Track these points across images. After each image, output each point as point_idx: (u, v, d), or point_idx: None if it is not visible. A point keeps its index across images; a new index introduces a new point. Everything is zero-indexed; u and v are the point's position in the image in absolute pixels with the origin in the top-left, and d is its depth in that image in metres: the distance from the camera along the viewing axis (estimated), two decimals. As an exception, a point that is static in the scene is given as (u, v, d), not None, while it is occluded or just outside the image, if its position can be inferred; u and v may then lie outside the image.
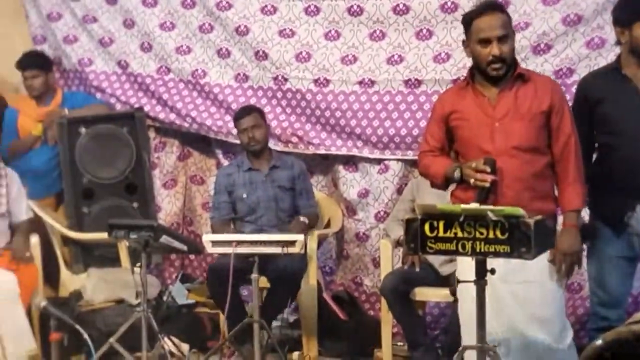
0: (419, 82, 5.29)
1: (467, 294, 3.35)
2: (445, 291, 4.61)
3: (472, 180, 3.56)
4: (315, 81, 5.50)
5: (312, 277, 5.02)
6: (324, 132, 5.54)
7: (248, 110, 5.24)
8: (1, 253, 4.94)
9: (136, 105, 5.81)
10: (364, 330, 5.13)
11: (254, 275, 4.42)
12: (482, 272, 3.16)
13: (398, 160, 5.38)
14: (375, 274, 5.38)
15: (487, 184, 3.53)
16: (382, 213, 5.41)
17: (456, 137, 3.81)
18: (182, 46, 5.77)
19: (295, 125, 5.59)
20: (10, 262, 4.90)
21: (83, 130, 5.64)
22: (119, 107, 5.88)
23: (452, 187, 3.84)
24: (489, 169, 3.54)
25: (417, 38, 5.31)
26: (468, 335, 3.52)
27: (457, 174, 3.64)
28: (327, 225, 5.49)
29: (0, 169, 5.20)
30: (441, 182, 3.79)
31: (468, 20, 3.73)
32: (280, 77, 5.56)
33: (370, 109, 5.40)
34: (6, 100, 5.83)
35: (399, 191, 5.34)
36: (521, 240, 2.95)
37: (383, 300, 4.79)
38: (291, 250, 4.40)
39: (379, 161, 5.43)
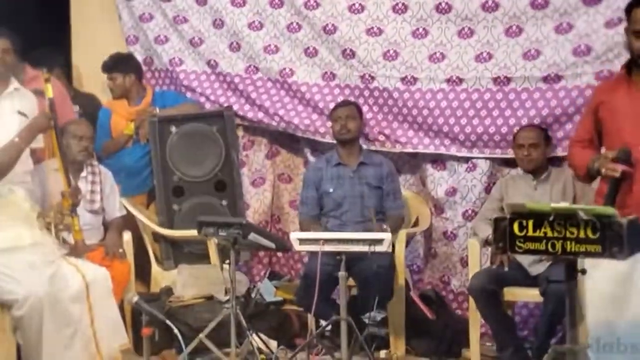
0: (508, 80, 5.24)
1: (603, 271, 3.26)
2: (535, 291, 4.60)
3: (603, 171, 3.49)
4: (403, 79, 5.48)
5: (400, 276, 5.00)
6: (411, 131, 5.52)
7: (347, 102, 5.38)
8: (95, 249, 5.04)
9: (225, 104, 5.88)
10: (451, 329, 5.10)
11: (341, 273, 4.42)
12: (572, 273, 3.10)
13: (486, 158, 5.34)
14: (463, 273, 5.35)
15: (617, 174, 3.45)
16: (469, 212, 5.38)
17: (603, 128, 3.74)
18: (270, 45, 5.81)
19: (383, 123, 5.58)
20: (103, 258, 5.00)
21: (173, 129, 5.73)
22: (208, 106, 5.95)
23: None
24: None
25: (506, 35, 5.25)
26: (596, 311, 3.43)
27: (595, 165, 3.59)
28: (415, 224, 5.46)
29: (94, 167, 5.32)
30: (583, 174, 3.73)
31: (628, 9, 3.69)
32: (367, 76, 5.56)
33: (458, 106, 5.36)
34: (100, 101, 5.96)
35: (487, 190, 5.29)
36: (613, 239, 2.89)
37: (471, 300, 4.76)
38: (378, 248, 4.39)
39: (466, 159, 5.39)
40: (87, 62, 6.11)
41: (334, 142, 5.38)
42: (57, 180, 4.90)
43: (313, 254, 4.71)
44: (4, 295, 4.31)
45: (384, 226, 4.80)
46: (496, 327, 4.71)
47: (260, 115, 5.82)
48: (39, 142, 5.30)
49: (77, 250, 4.80)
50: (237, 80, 5.89)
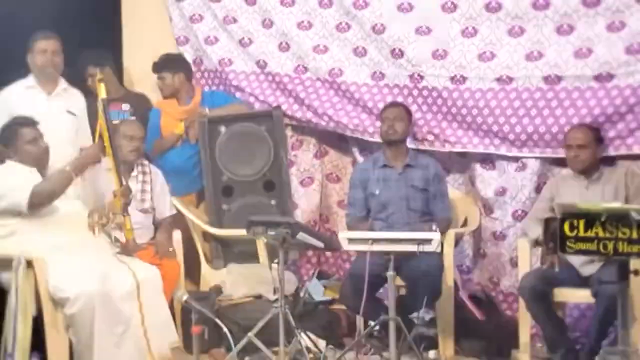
0: (558, 79, 5.19)
1: None
2: (586, 292, 4.56)
3: None
4: (452, 79, 5.45)
5: (449, 276, 4.97)
6: (460, 130, 5.49)
7: (397, 104, 5.38)
8: (145, 248, 5.08)
9: (274, 104, 5.89)
10: (501, 330, 5.06)
11: (389, 273, 4.42)
12: (624, 274, 3.07)
13: (536, 158, 5.29)
14: (513, 274, 5.30)
15: None
16: (519, 212, 5.33)
17: None
18: (319, 45, 5.81)
19: (431, 123, 5.56)
20: (154, 257, 5.04)
21: (223, 129, 5.76)
22: (257, 106, 5.97)
23: None
24: None
25: (557, 33, 5.20)
26: None
27: None
28: (464, 224, 5.43)
29: (144, 166, 5.36)
30: None
31: None
32: (416, 75, 5.53)
33: (508, 106, 5.33)
34: (150, 101, 6.01)
35: (537, 190, 5.24)
36: (666, 240, 2.85)
37: (521, 301, 4.72)
38: (427, 248, 4.37)
39: (516, 159, 5.35)
40: (138, 62, 6.16)
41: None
42: (108, 180, 4.96)
43: (360, 254, 4.71)
44: (57, 293, 4.38)
45: (433, 226, 4.78)
46: (547, 328, 4.67)
47: (309, 115, 5.83)
48: (89, 141, 5.39)
49: (128, 249, 4.85)
50: (286, 80, 5.90)
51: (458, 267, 5.47)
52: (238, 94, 6.01)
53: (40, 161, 4.70)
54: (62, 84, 5.26)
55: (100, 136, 4.83)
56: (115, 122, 5.24)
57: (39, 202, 4.55)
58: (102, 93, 4.85)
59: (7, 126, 4.77)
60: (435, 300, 4.89)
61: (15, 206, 4.53)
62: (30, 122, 4.74)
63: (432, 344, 5.00)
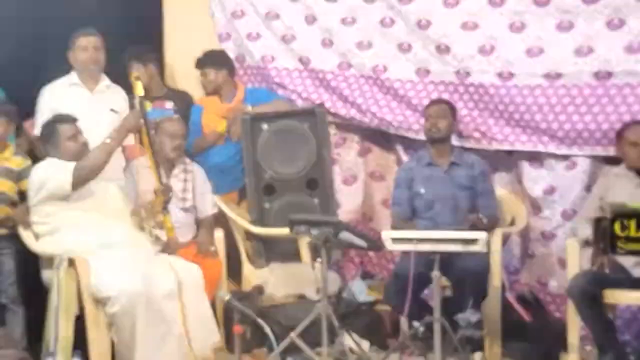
0: (609, 74, 5.09)
1: None
2: (638, 294, 4.45)
3: None
4: (499, 75, 5.37)
5: (495, 277, 4.90)
6: (507, 127, 5.42)
7: (440, 100, 5.32)
8: (187, 246, 5.07)
9: (317, 102, 5.85)
10: (549, 332, 4.99)
11: (435, 273, 4.36)
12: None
13: (586, 156, 5.21)
14: (562, 275, 5.21)
15: None
16: (569, 211, 5.25)
17: None
18: (363, 41, 5.75)
19: (478, 120, 5.49)
20: (195, 256, 5.03)
21: (265, 126, 5.73)
22: (300, 103, 5.94)
23: None
24: None
25: (607, 28, 5.11)
26: None
27: None
28: (511, 223, 5.35)
29: (186, 164, 5.35)
30: None
31: None
32: (462, 71, 5.46)
33: (556, 102, 5.24)
34: (193, 98, 6.00)
35: (587, 189, 5.16)
36: None
37: (570, 302, 4.63)
38: (473, 248, 4.32)
39: (565, 157, 5.27)
40: (180, 59, 6.16)
41: (427, 139, 5.31)
42: (148, 178, 4.95)
43: (404, 254, 4.65)
44: (99, 292, 4.39)
45: (481, 216, 4.70)
46: (596, 330, 4.57)
47: (353, 112, 5.78)
48: (130, 139, 5.39)
49: (169, 248, 4.86)
50: (329, 76, 5.85)
51: (505, 268, 5.39)
52: (280, 91, 5.98)
53: (79, 157, 4.73)
54: (105, 80, 5.27)
55: (141, 104, 4.84)
56: (157, 120, 5.23)
57: (83, 177, 4.61)
58: (139, 91, 4.86)
59: (48, 124, 4.84)
60: (481, 301, 4.82)
61: (59, 189, 4.60)
62: (69, 119, 4.80)
63: (478, 346, 4.92)
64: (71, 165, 4.59)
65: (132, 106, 4.95)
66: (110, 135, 4.73)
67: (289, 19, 5.94)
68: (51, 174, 4.61)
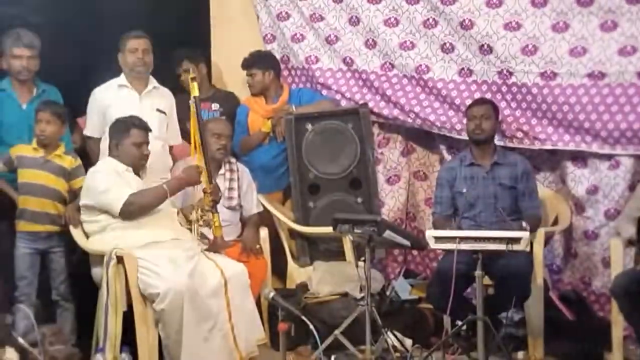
0: (653, 74, 5.08)
1: None
2: (682, 293, 4.42)
3: None
4: (542, 74, 5.36)
5: (538, 276, 4.89)
6: (550, 127, 5.40)
7: (483, 100, 5.30)
8: (233, 245, 5.13)
9: (361, 102, 5.87)
10: (592, 332, 4.96)
11: (477, 272, 4.38)
12: None
13: (630, 155, 5.19)
14: (605, 274, 5.19)
15: None
16: (612, 211, 5.23)
17: None
18: (406, 42, 5.77)
19: (521, 120, 5.48)
20: (241, 254, 5.09)
21: (309, 126, 5.77)
22: (344, 103, 5.96)
23: None
24: None
25: (651, 27, 5.10)
26: None
27: None
28: (555, 223, 5.33)
29: (232, 164, 5.42)
30: None
31: None
32: (505, 71, 5.46)
33: (600, 102, 5.23)
34: (239, 99, 6.06)
35: (631, 188, 5.14)
36: None
37: (613, 302, 4.62)
38: (516, 247, 4.32)
39: (609, 157, 5.26)
40: (225, 60, 6.22)
41: (470, 139, 5.32)
42: (196, 177, 5.00)
43: (447, 252, 4.66)
44: (147, 289, 4.45)
45: (524, 224, 4.70)
46: (640, 330, 4.55)
47: (396, 112, 5.80)
48: (178, 139, 5.47)
49: (216, 246, 4.90)
50: (372, 77, 5.88)
51: (548, 267, 5.39)
52: (324, 92, 6.01)
53: (138, 165, 4.80)
54: (152, 82, 5.35)
55: (196, 105, 4.89)
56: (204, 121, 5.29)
57: (131, 212, 4.65)
58: (194, 91, 4.92)
59: (122, 121, 4.86)
60: (524, 301, 4.82)
61: (109, 208, 4.64)
62: (144, 126, 4.84)
63: (521, 345, 4.93)
64: (126, 193, 4.63)
65: (188, 107, 5.01)
66: (168, 183, 4.79)
67: (332, 21, 5.97)
68: (106, 189, 4.65)
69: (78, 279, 4.98)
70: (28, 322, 4.41)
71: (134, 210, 4.63)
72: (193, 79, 4.97)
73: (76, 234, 4.83)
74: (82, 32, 5.58)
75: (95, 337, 4.59)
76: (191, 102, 4.92)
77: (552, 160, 5.52)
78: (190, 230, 4.86)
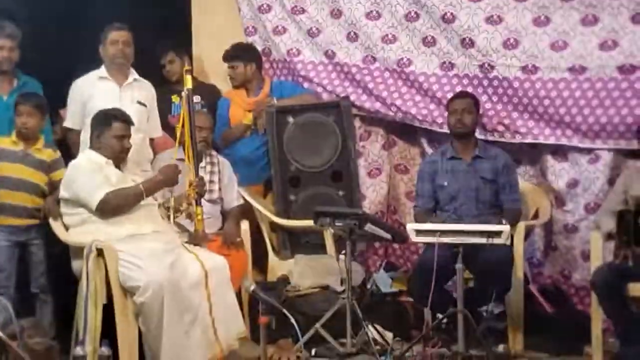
0: (634, 68, 5.10)
1: None
2: (661, 287, 4.44)
3: None
4: (523, 68, 5.38)
5: (519, 269, 4.90)
6: (531, 121, 5.43)
7: (464, 94, 5.30)
8: (213, 238, 5.11)
9: (342, 95, 5.87)
10: (572, 325, 4.98)
11: (458, 265, 4.38)
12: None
13: (610, 149, 5.21)
14: (585, 267, 5.22)
15: None
16: (592, 204, 5.26)
17: None
18: (387, 35, 5.78)
19: (502, 114, 5.50)
20: (221, 247, 5.07)
21: (291, 119, 5.77)
22: (325, 96, 5.96)
23: None
24: None
25: (632, 22, 5.13)
26: None
27: None
28: (535, 216, 5.35)
29: (213, 157, 5.40)
30: None
31: None
32: (486, 65, 5.47)
33: (580, 96, 5.26)
34: (220, 91, 6.04)
35: (611, 182, 5.16)
36: None
37: (593, 295, 4.63)
38: (496, 241, 4.33)
39: (589, 151, 5.28)
40: (206, 53, 6.20)
41: (452, 132, 5.33)
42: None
43: (428, 246, 4.67)
44: (127, 282, 4.43)
45: (503, 221, 4.72)
46: (619, 323, 4.57)
47: (377, 105, 5.80)
48: (158, 132, 5.45)
49: (197, 239, 4.88)
50: (354, 70, 5.88)
51: (528, 260, 5.40)
52: (306, 84, 6.01)
53: (119, 158, 4.76)
54: (133, 74, 5.32)
55: (188, 97, 4.87)
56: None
57: (106, 210, 4.61)
58: (188, 83, 4.91)
59: (104, 113, 4.81)
60: (504, 294, 4.84)
61: (84, 201, 4.62)
62: (125, 119, 4.79)
63: (502, 337, 4.94)
64: (103, 190, 4.59)
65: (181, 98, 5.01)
66: (144, 184, 4.72)
67: (314, 13, 5.97)
68: (84, 184, 4.63)
69: (58, 272, 4.95)
70: (7, 314, 4.35)
71: (109, 209, 4.60)
72: (187, 71, 4.96)
73: (56, 226, 4.80)
74: (64, 24, 5.55)
75: (75, 330, 4.56)
76: (184, 93, 4.91)
77: (533, 153, 5.54)
78: (169, 218, 4.84)
